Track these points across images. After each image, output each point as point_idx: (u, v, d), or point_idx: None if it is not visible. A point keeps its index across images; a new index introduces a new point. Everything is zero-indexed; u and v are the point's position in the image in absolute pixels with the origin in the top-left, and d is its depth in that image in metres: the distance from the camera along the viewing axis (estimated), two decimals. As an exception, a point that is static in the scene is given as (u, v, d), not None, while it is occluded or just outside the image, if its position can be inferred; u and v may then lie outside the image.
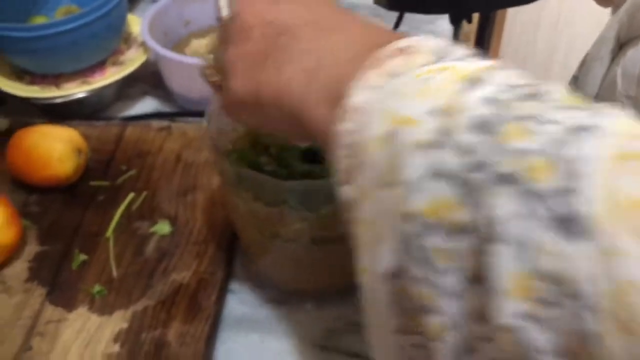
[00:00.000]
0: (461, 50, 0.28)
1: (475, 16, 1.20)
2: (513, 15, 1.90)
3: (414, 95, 0.25)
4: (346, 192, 0.28)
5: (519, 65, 0.33)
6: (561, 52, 1.84)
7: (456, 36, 0.81)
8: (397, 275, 0.24)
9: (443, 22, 0.85)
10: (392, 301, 0.25)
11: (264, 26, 0.34)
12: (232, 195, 0.47)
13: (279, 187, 0.44)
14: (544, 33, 1.89)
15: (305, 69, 0.32)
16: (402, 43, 0.28)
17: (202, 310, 0.49)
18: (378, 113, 0.26)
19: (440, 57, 0.27)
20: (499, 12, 1.76)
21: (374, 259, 0.26)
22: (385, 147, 0.25)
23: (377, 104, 0.26)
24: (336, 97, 0.29)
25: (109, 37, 0.68)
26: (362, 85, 0.28)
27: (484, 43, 1.05)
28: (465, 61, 0.26)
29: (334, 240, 0.47)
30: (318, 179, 0.45)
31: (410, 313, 0.25)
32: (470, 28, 1.12)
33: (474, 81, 0.24)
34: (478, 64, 0.26)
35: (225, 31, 0.36)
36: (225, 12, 0.39)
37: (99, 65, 0.69)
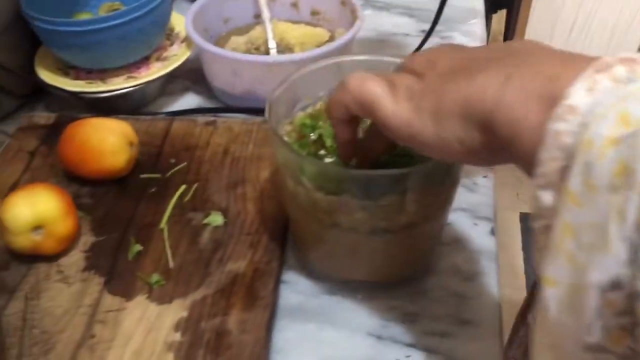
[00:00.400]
0: None
1: (503, 17, 1.22)
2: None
3: None
4: (546, 197, 0.27)
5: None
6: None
7: (487, 29, 0.81)
8: (617, 286, 0.23)
9: (477, 22, 0.86)
10: (599, 315, 0.24)
11: (451, 52, 0.36)
12: (292, 184, 0.48)
13: (344, 176, 0.45)
14: (558, 41, 1.90)
15: (501, 73, 0.31)
16: (623, 54, 0.27)
17: (260, 298, 0.49)
18: (610, 115, 0.25)
19: None
20: (519, 23, 1.77)
21: (586, 269, 0.24)
22: (619, 149, 0.24)
23: (607, 107, 0.25)
24: (545, 97, 0.28)
25: (155, 32, 0.69)
26: (585, 87, 0.26)
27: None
28: None
29: (392, 231, 0.48)
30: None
31: (625, 328, 0.23)
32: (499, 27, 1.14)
33: None
34: None
35: (406, 63, 0.38)
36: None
37: (144, 61, 0.70)
